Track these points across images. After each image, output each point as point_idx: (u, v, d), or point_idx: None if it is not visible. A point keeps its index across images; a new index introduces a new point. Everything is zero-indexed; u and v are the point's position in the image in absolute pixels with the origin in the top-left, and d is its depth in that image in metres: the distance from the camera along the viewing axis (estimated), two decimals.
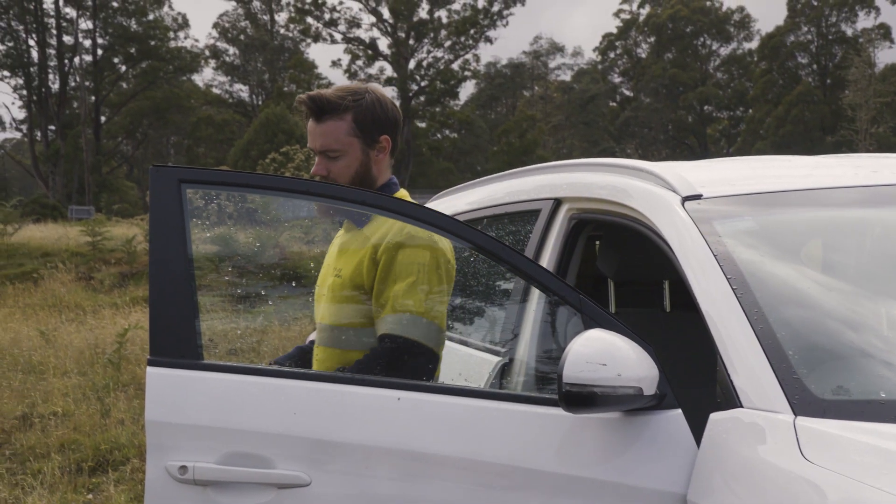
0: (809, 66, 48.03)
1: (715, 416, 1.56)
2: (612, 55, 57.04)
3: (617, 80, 57.67)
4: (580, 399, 1.52)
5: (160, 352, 1.73)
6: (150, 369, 1.73)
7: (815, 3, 46.21)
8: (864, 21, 45.76)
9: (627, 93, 56.83)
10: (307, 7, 47.98)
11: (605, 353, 1.54)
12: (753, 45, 51.70)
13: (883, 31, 44.72)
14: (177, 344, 1.74)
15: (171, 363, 1.73)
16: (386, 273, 1.96)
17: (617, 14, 56.06)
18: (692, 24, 51.67)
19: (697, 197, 1.92)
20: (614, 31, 56.18)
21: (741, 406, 1.53)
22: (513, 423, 1.66)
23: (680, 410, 1.61)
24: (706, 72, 53.32)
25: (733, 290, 1.66)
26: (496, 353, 2.31)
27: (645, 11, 54.25)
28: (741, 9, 52.78)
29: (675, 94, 51.90)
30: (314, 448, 1.69)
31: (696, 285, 1.72)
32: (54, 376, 6.92)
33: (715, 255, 1.74)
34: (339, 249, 2.11)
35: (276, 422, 1.70)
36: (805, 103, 44.37)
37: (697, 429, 1.61)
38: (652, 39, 53.83)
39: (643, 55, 54.83)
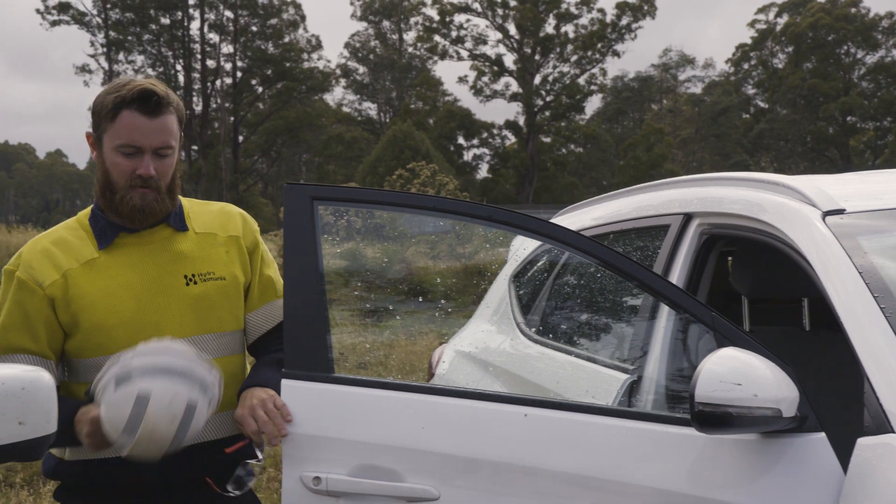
0: None
1: (863, 442, 1.49)
2: (745, 66, 55.14)
3: (751, 91, 55.68)
4: (713, 419, 1.47)
5: (293, 364, 1.79)
6: (284, 381, 1.79)
7: None
8: None
9: (762, 104, 54.73)
10: (435, 25, 48.84)
11: (740, 373, 1.48)
12: None
13: None
14: (309, 357, 1.79)
15: (304, 376, 1.78)
16: (262, 260, 2.06)
17: (752, 24, 54.18)
18: (835, 32, 49.25)
19: (840, 211, 1.83)
20: (748, 41, 54.31)
21: (893, 431, 1.45)
22: (644, 443, 1.63)
23: (824, 434, 1.54)
24: (850, 81, 50.66)
25: (881, 308, 1.57)
26: (624, 371, 2.27)
27: (782, 21, 52.19)
28: (890, 14, 49.90)
29: (814, 105, 49.57)
30: (443, 463, 1.70)
31: (840, 303, 1.63)
32: None
33: (860, 272, 1.65)
34: (169, 258, 1.93)
35: (405, 436, 1.73)
36: None
37: (842, 454, 1.52)
38: (790, 49, 51.66)
39: (780, 65, 52.71)
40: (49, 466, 2.01)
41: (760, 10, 53.49)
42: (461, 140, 50.59)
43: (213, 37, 48.78)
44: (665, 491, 1.59)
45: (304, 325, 1.80)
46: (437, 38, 49.50)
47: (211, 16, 47.89)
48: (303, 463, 1.76)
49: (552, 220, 3.26)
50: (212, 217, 2.05)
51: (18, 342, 1.86)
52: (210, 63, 48.78)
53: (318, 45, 50.61)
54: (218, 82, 48.90)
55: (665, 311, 2.20)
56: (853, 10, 50.02)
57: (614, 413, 1.72)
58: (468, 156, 51.54)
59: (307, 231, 1.87)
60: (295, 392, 1.77)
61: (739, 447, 1.57)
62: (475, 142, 51.01)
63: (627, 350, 2.34)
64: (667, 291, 1.75)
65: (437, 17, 48.75)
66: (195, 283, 1.93)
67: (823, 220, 1.82)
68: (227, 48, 49.35)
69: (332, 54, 70.15)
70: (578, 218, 3.19)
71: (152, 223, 1.94)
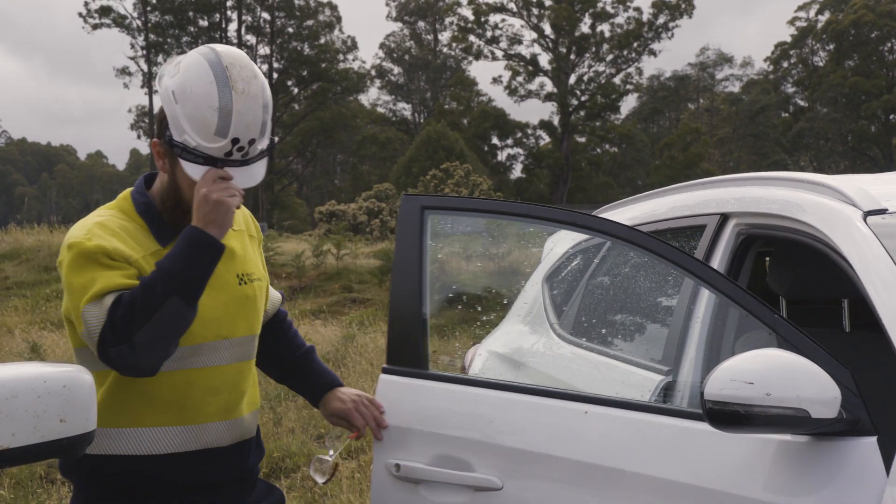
0: None
1: (854, 443, 1.48)
2: (784, 64, 54.36)
3: (790, 90, 54.88)
4: (725, 417, 1.49)
5: (393, 361, 1.98)
6: (382, 376, 1.98)
7: None
8: None
9: (801, 103, 53.91)
10: (470, 25, 48.84)
11: (755, 372, 1.48)
12: None
13: None
14: (407, 355, 1.97)
15: (400, 371, 1.97)
16: (263, 260, 2.09)
17: (791, 22, 53.40)
18: (878, 29, 48.35)
19: (882, 211, 1.80)
20: (788, 39, 53.56)
21: None
22: (692, 442, 1.65)
23: (874, 439, 1.51)
24: (893, 79, 49.69)
25: None
26: (658, 371, 2.25)
27: (824, 18, 51.36)
28: None
29: (856, 104, 48.72)
30: (507, 456, 1.82)
31: (881, 304, 1.60)
32: None
33: None
34: (224, 256, 1.88)
35: (476, 429, 1.86)
36: None
37: (886, 458, 1.50)
38: (831, 47, 50.82)
39: (820, 63, 51.89)
40: (74, 465, 1.90)
41: (801, 8, 52.69)
42: (495, 140, 50.51)
43: (250, 38, 49.31)
44: (714, 491, 1.60)
45: (407, 326, 1.97)
46: (471, 38, 49.47)
47: (248, 18, 48.43)
48: (389, 451, 1.93)
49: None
50: (237, 214, 2.03)
51: (120, 281, 1.74)
52: None
53: (354, 46, 50.89)
54: None
55: (701, 312, 2.17)
56: None
57: (664, 412, 1.76)
58: (502, 156, 51.46)
59: (415, 238, 2.03)
60: (389, 386, 1.97)
61: (787, 448, 1.56)
62: (509, 142, 50.91)
63: (662, 351, 2.32)
64: (731, 292, 1.75)
65: (471, 18, 48.74)
66: (245, 283, 1.94)
67: (864, 220, 1.79)
68: (263, 49, 49.82)
69: (368, 55, 70.74)
70: (613, 218, 3.16)
71: None
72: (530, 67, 49.15)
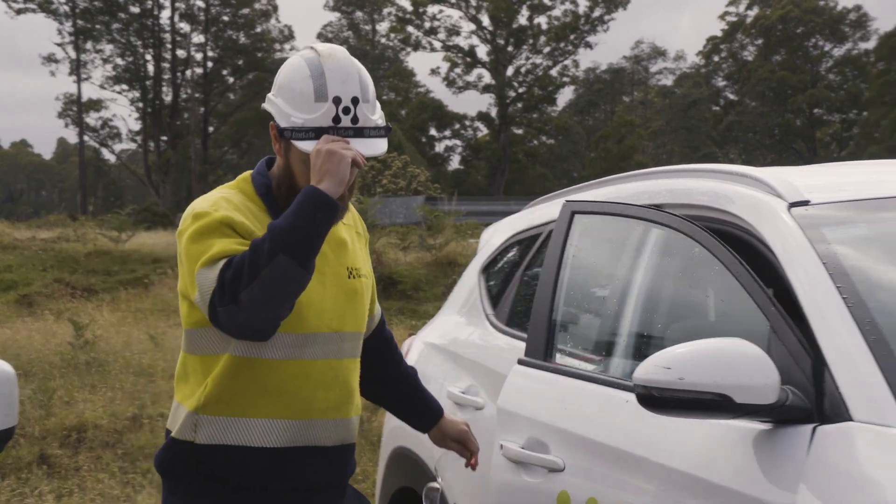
0: None
1: (823, 430, 1.51)
2: (716, 58, 55.57)
3: (721, 83, 56.15)
4: (648, 401, 1.57)
5: (528, 353, 2.30)
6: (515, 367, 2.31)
7: None
8: None
9: (731, 97, 55.21)
10: (408, 16, 48.66)
11: (677, 358, 1.54)
12: (870, 45, 49.44)
13: None
14: (536, 347, 2.26)
15: (527, 362, 2.28)
16: (369, 261, 2.04)
17: (722, 17, 54.58)
18: (804, 24, 49.77)
19: (805, 203, 1.86)
20: (719, 33, 54.76)
21: (851, 420, 1.47)
22: (679, 428, 1.74)
23: (815, 425, 1.54)
24: (817, 74, 51.25)
25: (843, 298, 1.58)
26: (591, 362, 2.28)
27: (753, 13, 52.65)
28: (858, 7, 50.51)
29: (782, 98, 50.13)
30: (570, 440, 2.00)
31: (803, 294, 1.65)
32: (162, 379, 7.21)
33: (823, 263, 1.66)
34: (336, 245, 1.87)
35: (553, 415, 2.09)
36: None
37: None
38: (759, 42, 52.15)
39: (750, 58, 53.18)
40: (171, 457, 1.81)
41: (731, 3, 53.90)
42: (433, 131, 50.48)
43: (184, 26, 48.22)
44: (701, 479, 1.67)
45: (541, 320, 2.26)
46: (410, 28, 49.31)
47: (182, 5, 47.32)
48: (502, 432, 2.20)
49: (523, 211, 3.26)
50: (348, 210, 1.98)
51: (240, 249, 1.70)
52: (180, 53, 48.24)
53: (291, 36, 50.23)
54: (188, 72, 48.37)
55: (633, 303, 2.21)
56: (822, 2, 50.60)
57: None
58: (440, 147, 51.49)
59: (561, 240, 2.29)
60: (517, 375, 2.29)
61: (753, 435, 1.61)
62: (447, 133, 50.95)
63: (594, 342, 2.35)
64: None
65: (410, 8, 48.55)
66: (354, 277, 1.89)
67: (789, 211, 1.84)
68: (197, 38, 48.80)
69: (305, 45, 69.81)
70: (549, 209, 3.19)
71: None
72: (468, 59, 49.23)
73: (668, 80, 58.66)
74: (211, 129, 50.23)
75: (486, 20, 48.47)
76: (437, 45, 49.26)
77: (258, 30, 48.38)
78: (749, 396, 1.50)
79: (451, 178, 46.84)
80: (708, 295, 2.02)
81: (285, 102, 1.76)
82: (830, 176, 2.29)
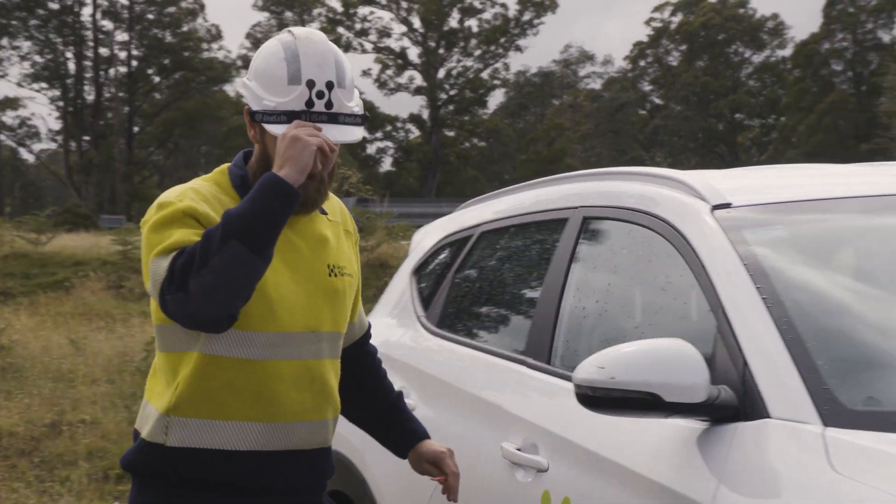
0: (844, 73, 47.42)
1: (742, 426, 1.55)
2: (642, 63, 56.78)
3: (647, 88, 57.41)
4: (586, 400, 1.59)
5: (527, 352, 2.28)
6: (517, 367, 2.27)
7: (851, 10, 45.65)
8: None
9: (657, 101, 56.49)
10: (338, 17, 48.34)
11: (611, 358, 1.56)
12: (787, 52, 51.23)
13: None
14: (535, 348, 2.25)
15: (522, 361, 2.26)
16: (358, 262, 1.95)
17: (648, 22, 55.83)
18: (725, 31, 51.25)
19: (727, 205, 1.91)
20: (645, 39, 55.98)
21: (769, 416, 1.51)
22: (618, 424, 1.77)
23: (743, 423, 1.57)
24: (738, 79, 52.83)
25: (762, 298, 1.64)
26: (523, 363, 2.30)
27: (677, 19, 53.96)
28: (775, 16, 52.28)
29: (705, 102, 51.51)
30: (551, 440, 2.01)
31: (725, 294, 1.70)
32: (83, 384, 6.99)
33: (744, 264, 1.72)
34: (315, 241, 1.78)
35: (539, 415, 2.09)
36: (839, 111, 43.76)
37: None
38: (683, 47, 53.48)
39: (674, 63, 54.49)
40: (141, 459, 1.74)
41: (656, 9, 55.12)
42: (364, 133, 50.21)
43: (107, 24, 46.91)
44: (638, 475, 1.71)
45: (541, 321, 2.27)
46: (340, 30, 48.97)
47: (104, 2, 46.03)
48: (498, 433, 2.18)
49: (454, 214, 3.27)
50: (332, 204, 1.89)
51: (195, 238, 1.62)
52: (103, 51, 46.90)
53: (219, 35, 49.32)
54: (112, 71, 47.06)
55: (568, 304, 2.24)
56: (741, 10, 52.18)
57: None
58: (371, 149, 51.29)
59: (570, 246, 2.28)
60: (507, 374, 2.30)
61: (691, 433, 1.64)
62: (379, 135, 50.79)
63: (525, 342, 2.37)
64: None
65: (340, 9, 48.25)
66: (335, 275, 1.80)
67: (712, 213, 1.89)
68: (121, 36, 47.52)
69: (233, 45, 68.74)
70: (480, 211, 3.21)
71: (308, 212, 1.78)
72: (399, 61, 49.18)
73: (596, 84, 59.68)
74: (136, 129, 48.96)
75: (417, 22, 48.51)
76: (369, 46, 49.08)
77: (185, 28, 47.37)
78: (678, 395, 1.53)
79: (382, 179, 46.69)
80: (675, 297, 2.06)
81: (259, 86, 1.70)
82: (751, 179, 2.37)
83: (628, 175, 2.31)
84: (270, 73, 1.69)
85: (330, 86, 1.68)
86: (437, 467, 1.92)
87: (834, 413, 1.45)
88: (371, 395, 1.97)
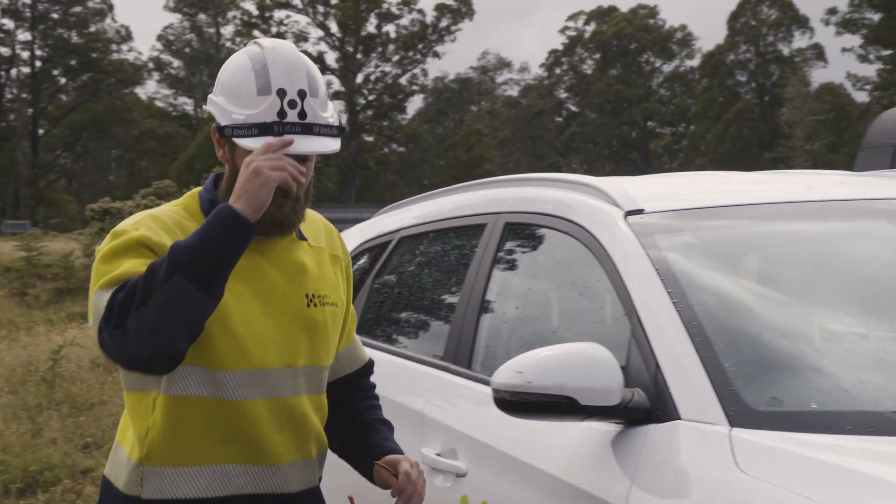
0: (748, 84, 49.30)
1: (654, 428, 1.59)
2: (558, 71, 57.79)
3: (563, 95, 58.43)
4: (504, 405, 1.61)
5: (447, 357, 2.29)
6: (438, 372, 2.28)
7: (753, 24, 47.51)
8: (800, 41, 47.26)
9: (573, 108, 57.56)
10: (254, 20, 47.63)
11: (529, 363, 1.59)
12: (695, 62, 52.95)
13: (817, 52, 46.19)
14: (458, 353, 2.26)
15: (446, 367, 2.27)
16: (349, 289, 1.81)
17: (563, 31, 56.87)
18: (636, 41, 52.63)
19: (640, 211, 1.96)
20: (560, 47, 57.01)
21: (679, 418, 1.55)
22: (537, 429, 1.79)
23: (655, 425, 1.61)
24: (650, 88, 54.31)
25: (673, 302, 1.69)
26: (441, 368, 2.31)
27: (590, 28, 55.13)
28: (683, 27, 54.00)
29: (619, 110, 52.78)
30: (473, 446, 2.01)
31: (638, 297, 1.75)
32: None
33: (656, 268, 1.77)
34: (292, 270, 1.66)
35: (458, 420, 2.10)
36: (744, 120, 45.48)
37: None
38: (597, 56, 54.68)
39: (588, 71, 55.64)
40: None
41: (570, 18, 56.20)
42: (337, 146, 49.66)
43: (7, 22, 45.01)
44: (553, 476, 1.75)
45: (462, 326, 2.27)
46: (256, 33, 48.23)
47: (4, 0, 44.16)
48: (418, 439, 2.17)
49: (374, 219, 3.26)
50: (316, 228, 1.76)
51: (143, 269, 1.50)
52: (4, 50, 44.99)
53: (129, 37, 47.98)
54: (14, 71, 45.16)
55: (489, 309, 2.26)
56: (651, 21, 53.69)
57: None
58: None
59: (490, 251, 2.29)
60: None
61: (607, 436, 1.67)
62: None
63: (444, 347, 2.38)
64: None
65: (255, 12, 47.55)
66: (315, 305, 1.66)
67: (625, 219, 1.94)
68: (23, 35, 45.67)
69: (144, 46, 66.82)
70: (399, 216, 3.21)
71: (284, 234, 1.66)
72: (317, 65, 48.80)
73: (513, 91, 60.42)
74: (41, 131, 47.12)
75: (334, 27, 48.21)
76: None
77: (92, 29, 45.87)
78: (593, 398, 1.56)
79: None
80: (592, 302, 2.09)
81: (226, 100, 1.60)
82: (662, 186, 2.44)
83: (546, 181, 2.35)
84: (238, 86, 1.60)
85: (302, 94, 1.59)
86: (393, 470, 1.70)
87: (740, 414, 1.50)
88: (355, 430, 1.79)
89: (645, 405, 1.61)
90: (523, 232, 2.36)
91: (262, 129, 1.57)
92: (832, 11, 37.66)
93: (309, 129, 1.58)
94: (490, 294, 2.29)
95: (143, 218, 1.62)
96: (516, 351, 1.71)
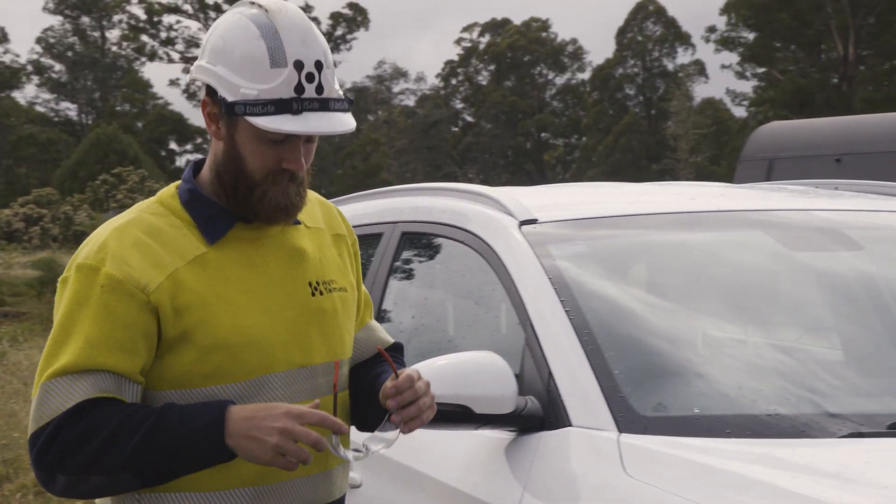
0: (636, 97, 51.09)
1: (546, 435, 1.62)
2: (454, 81, 58.37)
3: (459, 105, 59.04)
4: None
5: None
6: None
7: (640, 39, 49.29)
8: (683, 57, 49.33)
9: (469, 119, 58.25)
10: (142, 25, 46.15)
11: (424, 372, 1.54)
12: (586, 75, 54.49)
13: (698, 68, 48.32)
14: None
15: None
16: (358, 270, 1.64)
17: (458, 42, 57.49)
18: (530, 53, 53.75)
19: (533, 221, 2.01)
20: (456, 58, 57.61)
21: (571, 425, 1.59)
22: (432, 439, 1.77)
23: (547, 432, 1.63)
24: (543, 100, 55.53)
25: (566, 311, 1.73)
26: None
27: (485, 40, 55.95)
28: (574, 41, 55.53)
29: (514, 121, 53.74)
30: (366, 457, 1.85)
31: (531, 306, 1.78)
32: None
33: (549, 277, 1.81)
34: (288, 257, 1.49)
35: (352, 430, 1.93)
36: (632, 133, 47.09)
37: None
38: (492, 67, 55.53)
39: (484, 82, 56.43)
40: None
41: (465, 29, 56.90)
42: (173, 145, 48.29)
43: None
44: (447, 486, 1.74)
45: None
46: (144, 37, 46.79)
47: None
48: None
49: None
50: (311, 208, 1.57)
51: (108, 359, 1.36)
52: None
53: (5, 38, 45.67)
54: None
55: (386, 318, 2.26)
56: (544, 34, 54.98)
57: None
58: (181, 161, 49.30)
59: (387, 260, 2.24)
60: None
61: (502, 444, 1.68)
62: (189, 147, 48.94)
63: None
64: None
65: (143, 17, 46.10)
66: (321, 293, 1.48)
67: (519, 228, 1.98)
68: None
69: (22, 49, 63.62)
70: None
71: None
72: None
73: (410, 101, 60.65)
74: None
75: None
76: (176, 55, 47.20)
77: None
78: (488, 407, 1.59)
79: None
80: (488, 311, 2.11)
81: (230, 72, 1.40)
82: (556, 196, 2.50)
83: (442, 191, 2.37)
84: (245, 54, 1.39)
85: (319, 66, 1.40)
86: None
87: (628, 420, 1.56)
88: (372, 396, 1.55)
89: (538, 413, 1.64)
90: (420, 241, 2.37)
91: (278, 106, 1.38)
92: (712, 29, 39.46)
93: (326, 104, 1.41)
94: (387, 303, 2.29)
95: (106, 239, 1.42)
96: (413, 360, 1.72)
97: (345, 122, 1.44)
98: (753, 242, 2.12)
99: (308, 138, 1.44)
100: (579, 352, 1.66)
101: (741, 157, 6.14)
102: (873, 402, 1.75)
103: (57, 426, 1.35)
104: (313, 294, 1.48)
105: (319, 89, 1.41)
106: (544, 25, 54.92)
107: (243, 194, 1.44)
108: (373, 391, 1.52)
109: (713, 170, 34.67)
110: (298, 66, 1.39)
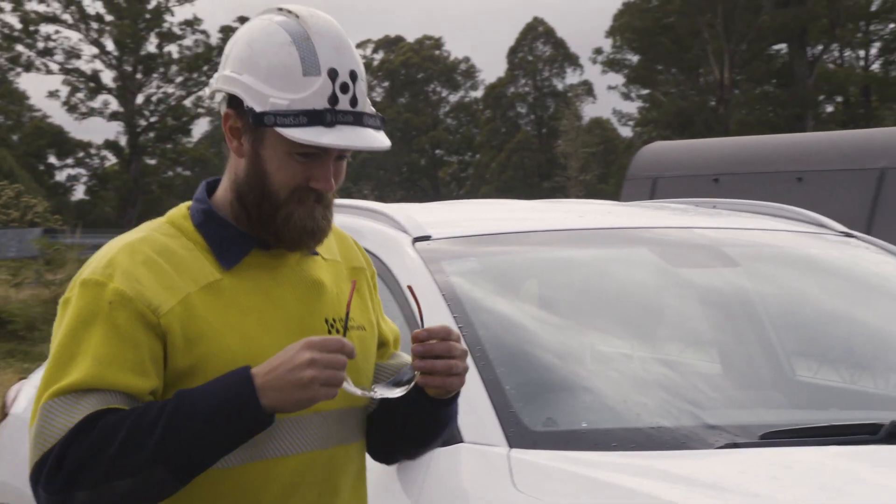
0: (528, 115, 52.29)
1: (438, 452, 1.61)
2: None
3: None
4: None
5: None
6: None
7: (531, 59, 50.52)
8: (572, 77, 50.88)
9: None
10: (17, 34, 44.07)
11: None
12: (479, 93, 55.38)
13: (586, 88, 49.91)
14: None
15: None
16: (378, 305, 1.53)
17: None
18: (423, 71, 54.26)
19: (427, 238, 2.02)
20: None
21: (462, 441, 1.60)
22: None
23: (439, 449, 1.59)
24: (437, 117, 56.11)
25: (459, 326, 1.75)
26: None
27: (379, 57, 56.13)
28: (467, 59, 56.40)
29: (408, 138, 54.05)
30: None
31: (425, 322, 1.79)
32: None
33: (442, 293, 1.83)
34: (306, 290, 1.37)
35: None
36: (524, 150, 48.16)
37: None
38: (386, 84, 55.75)
39: (378, 99, 56.57)
40: None
41: (359, 46, 56.93)
42: (53, 159, 46.26)
43: None
44: None
45: None
46: (19, 47, 44.67)
47: None
48: None
49: None
50: (330, 239, 1.44)
51: (119, 378, 1.23)
52: None
53: None
54: None
55: None
56: (437, 52, 55.64)
57: None
58: (62, 176, 47.26)
59: None
60: None
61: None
62: (70, 161, 46.95)
63: None
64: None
65: (19, 26, 44.06)
66: (338, 331, 1.36)
67: (413, 245, 1.99)
68: None
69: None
70: None
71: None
72: (92, 84, 45.89)
73: None
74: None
75: (110, 45, 45.67)
76: (55, 67, 45.27)
77: None
78: None
79: (74, 209, 43.13)
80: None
81: (258, 80, 1.29)
82: (449, 213, 2.53)
83: (337, 207, 2.35)
84: (275, 63, 1.29)
85: (353, 77, 1.32)
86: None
87: (518, 435, 1.58)
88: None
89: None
90: None
91: (311, 117, 1.28)
92: (598, 51, 40.81)
93: (360, 119, 1.33)
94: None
95: (115, 254, 1.32)
96: None
97: (380, 139, 1.36)
98: (638, 259, 2.20)
99: (339, 155, 1.35)
100: (471, 368, 1.67)
101: (627, 176, 6.37)
102: (748, 414, 1.84)
103: (64, 445, 1.22)
104: (329, 332, 1.37)
105: (354, 102, 1.33)
106: (437, 43, 55.61)
107: (267, 215, 1.33)
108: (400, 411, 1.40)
109: (601, 188, 35.79)
110: (332, 74, 1.31)
